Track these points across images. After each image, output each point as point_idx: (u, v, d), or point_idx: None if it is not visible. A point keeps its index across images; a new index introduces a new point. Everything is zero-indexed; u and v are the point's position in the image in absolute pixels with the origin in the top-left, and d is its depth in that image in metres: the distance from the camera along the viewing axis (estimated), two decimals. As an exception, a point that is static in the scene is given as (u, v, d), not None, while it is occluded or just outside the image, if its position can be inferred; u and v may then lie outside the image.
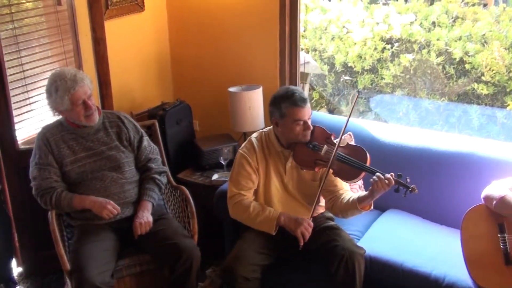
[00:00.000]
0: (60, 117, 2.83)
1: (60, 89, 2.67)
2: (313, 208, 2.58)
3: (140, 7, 3.83)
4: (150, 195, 2.85)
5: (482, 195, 2.56)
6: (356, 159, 2.54)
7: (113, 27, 3.61)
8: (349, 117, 2.62)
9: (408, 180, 2.46)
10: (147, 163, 2.95)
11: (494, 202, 2.47)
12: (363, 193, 2.59)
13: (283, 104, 2.61)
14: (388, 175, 2.42)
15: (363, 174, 2.53)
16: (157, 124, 3.37)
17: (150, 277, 2.80)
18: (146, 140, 3.00)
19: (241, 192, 2.69)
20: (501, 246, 2.45)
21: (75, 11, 3.35)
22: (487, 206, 2.54)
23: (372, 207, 2.61)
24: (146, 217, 2.75)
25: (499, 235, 2.48)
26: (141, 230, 2.71)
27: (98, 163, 2.80)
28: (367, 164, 2.53)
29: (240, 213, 2.68)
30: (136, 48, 3.89)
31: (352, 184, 2.98)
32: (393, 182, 2.42)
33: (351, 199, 2.59)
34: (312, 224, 2.57)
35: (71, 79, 2.68)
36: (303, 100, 2.61)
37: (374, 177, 2.43)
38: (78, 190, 2.76)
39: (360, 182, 3.12)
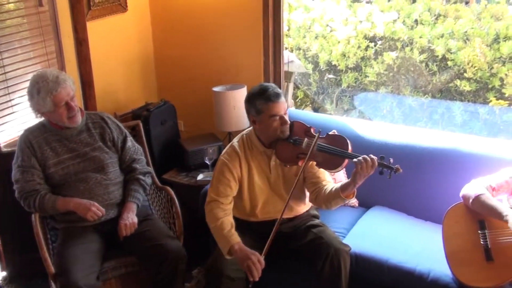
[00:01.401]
0: (42, 119, 2.81)
1: (42, 91, 2.64)
2: (286, 204, 2.55)
3: (123, 8, 3.81)
4: (135, 196, 2.83)
5: (461, 194, 2.59)
6: (337, 147, 2.55)
7: (96, 28, 3.59)
8: (310, 152, 2.57)
9: (391, 160, 2.44)
10: (131, 164, 2.93)
11: (471, 200, 2.50)
12: (345, 181, 2.58)
13: (257, 101, 2.61)
14: (370, 156, 2.40)
15: (346, 161, 2.52)
16: (141, 124, 3.35)
17: (136, 278, 2.78)
18: (130, 141, 2.98)
19: (219, 199, 2.67)
20: (482, 242, 2.47)
21: (57, 12, 3.32)
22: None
23: (355, 196, 2.60)
24: (131, 218, 2.74)
25: (479, 232, 2.50)
26: (126, 232, 2.70)
27: (82, 164, 2.78)
28: (349, 151, 2.53)
29: (210, 221, 2.67)
30: (120, 48, 3.87)
31: (336, 173, 2.98)
32: (376, 163, 2.41)
33: (334, 189, 2.58)
34: (263, 262, 2.47)
35: (53, 80, 2.66)
36: (277, 95, 2.60)
37: (357, 159, 2.41)
38: (62, 192, 2.74)
39: (344, 175, 3.14)
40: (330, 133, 3.02)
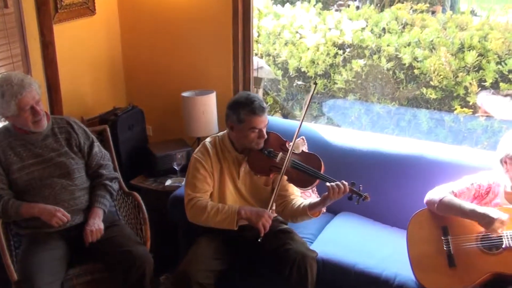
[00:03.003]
0: (6, 123, 2.75)
1: (6, 94, 2.59)
2: (271, 204, 2.59)
3: (91, 11, 3.76)
4: (101, 202, 2.80)
5: (425, 200, 2.64)
6: (311, 167, 2.57)
7: (63, 31, 3.54)
8: (307, 107, 2.63)
9: (361, 188, 2.50)
10: (98, 170, 2.89)
11: (436, 205, 2.55)
12: (314, 199, 2.62)
13: (242, 111, 2.61)
14: (343, 183, 2.46)
15: (317, 181, 2.56)
16: (108, 129, 3.31)
17: (102, 285, 2.74)
18: (97, 146, 2.95)
19: (197, 195, 2.67)
20: (445, 248, 2.51)
21: (22, 14, 3.26)
22: (430, 210, 2.62)
23: (321, 213, 2.64)
24: (97, 224, 2.70)
25: (442, 238, 2.54)
26: (92, 238, 2.66)
27: (47, 170, 2.73)
28: (321, 172, 2.56)
29: (199, 214, 2.65)
30: (87, 52, 3.82)
31: (305, 191, 3.01)
32: (348, 190, 2.46)
33: (302, 205, 2.62)
34: (272, 215, 2.57)
35: (18, 84, 2.61)
36: (262, 109, 2.61)
37: (330, 184, 2.45)
38: (26, 198, 2.69)
39: (313, 190, 3.16)
40: (304, 147, 3.05)
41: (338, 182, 2.46)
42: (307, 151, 2.95)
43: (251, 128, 2.62)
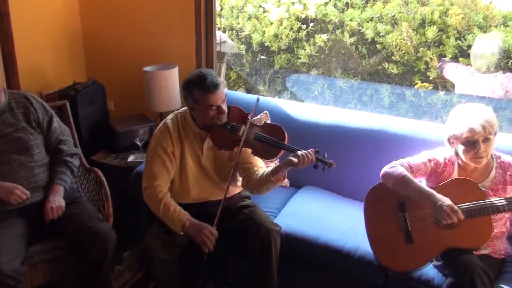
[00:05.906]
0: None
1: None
2: (227, 189, 2.58)
3: (48, -18, 3.65)
4: (62, 178, 2.74)
5: (381, 173, 2.59)
6: (274, 138, 2.57)
7: (18, 2, 3.42)
8: (247, 126, 2.60)
9: (326, 155, 2.50)
10: (57, 145, 2.83)
11: (392, 181, 2.52)
12: (276, 165, 2.62)
13: (195, 90, 2.57)
14: (310, 152, 2.45)
15: (281, 152, 2.55)
16: (68, 104, 3.24)
17: (64, 262, 2.71)
18: (56, 121, 2.88)
19: (154, 182, 2.64)
20: (402, 225, 2.52)
21: (-26, -15, 3.14)
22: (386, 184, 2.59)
23: (286, 179, 2.63)
24: (57, 201, 2.66)
25: (400, 214, 2.54)
26: (52, 215, 2.61)
27: (4, 146, 2.66)
28: (285, 143, 2.56)
29: (152, 204, 2.65)
30: (45, 25, 3.72)
31: (270, 163, 3.02)
32: (314, 158, 2.46)
33: (265, 173, 2.62)
34: (215, 233, 2.53)
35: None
36: (215, 86, 2.56)
37: (300, 153, 2.44)
38: (-18, 176, 2.62)
39: (277, 161, 3.17)
40: (268, 121, 3.04)
41: (303, 152, 2.44)
42: (270, 122, 2.94)
43: (208, 106, 2.58)
